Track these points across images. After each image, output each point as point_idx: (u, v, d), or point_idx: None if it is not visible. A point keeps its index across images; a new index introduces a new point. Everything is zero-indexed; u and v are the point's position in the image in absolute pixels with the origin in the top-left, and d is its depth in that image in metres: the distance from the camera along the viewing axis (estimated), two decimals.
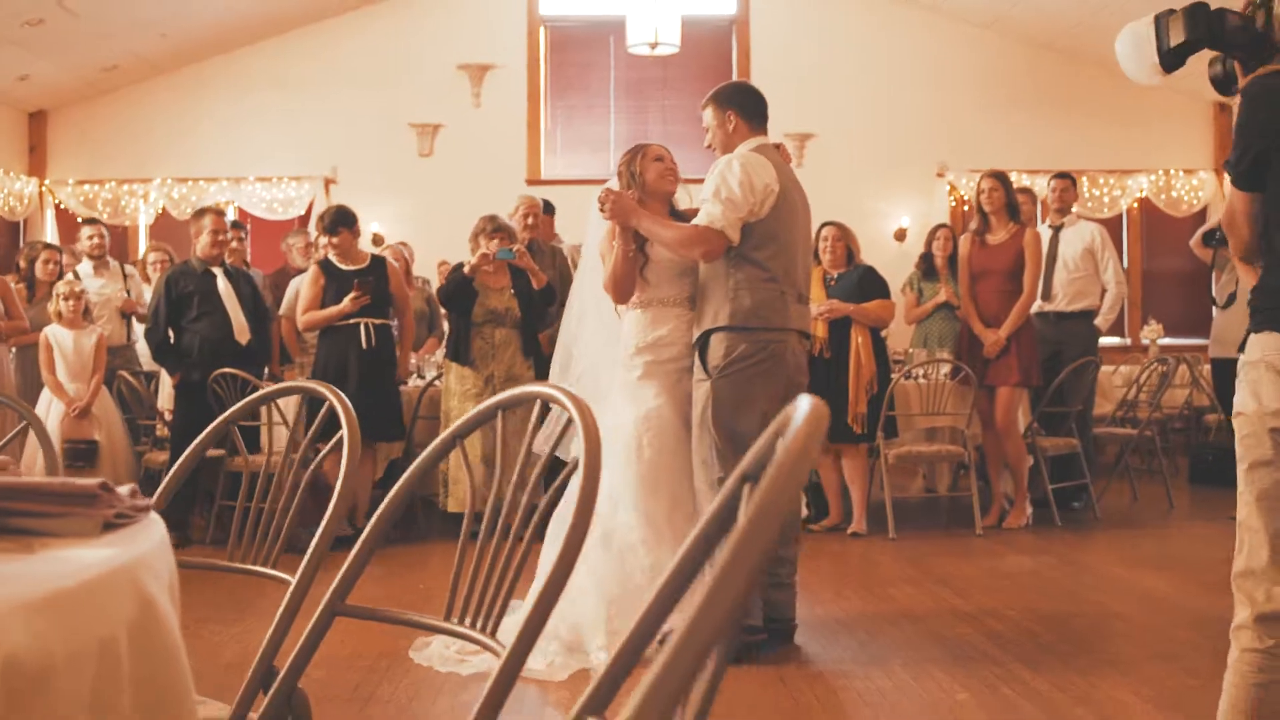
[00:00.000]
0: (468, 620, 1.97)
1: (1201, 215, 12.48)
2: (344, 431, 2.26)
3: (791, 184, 4.84)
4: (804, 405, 1.03)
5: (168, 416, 7.85)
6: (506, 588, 1.92)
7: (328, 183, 12.39)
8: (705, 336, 4.76)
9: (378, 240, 11.43)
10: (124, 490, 1.52)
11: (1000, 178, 7.76)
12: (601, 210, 4.84)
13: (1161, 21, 3.31)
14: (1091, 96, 12.54)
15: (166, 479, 2.46)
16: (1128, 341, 12.53)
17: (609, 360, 5.18)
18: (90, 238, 8.80)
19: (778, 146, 5.02)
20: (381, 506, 2.13)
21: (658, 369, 4.93)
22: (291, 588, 2.20)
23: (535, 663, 4.52)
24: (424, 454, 2.13)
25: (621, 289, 4.96)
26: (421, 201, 12.09)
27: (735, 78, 12.56)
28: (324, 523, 2.23)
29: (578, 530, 1.68)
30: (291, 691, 2.04)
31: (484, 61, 12.52)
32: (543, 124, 12.63)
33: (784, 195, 4.73)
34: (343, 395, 2.37)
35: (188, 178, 12.29)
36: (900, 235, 12.41)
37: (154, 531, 1.45)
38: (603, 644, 4.60)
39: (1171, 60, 3.36)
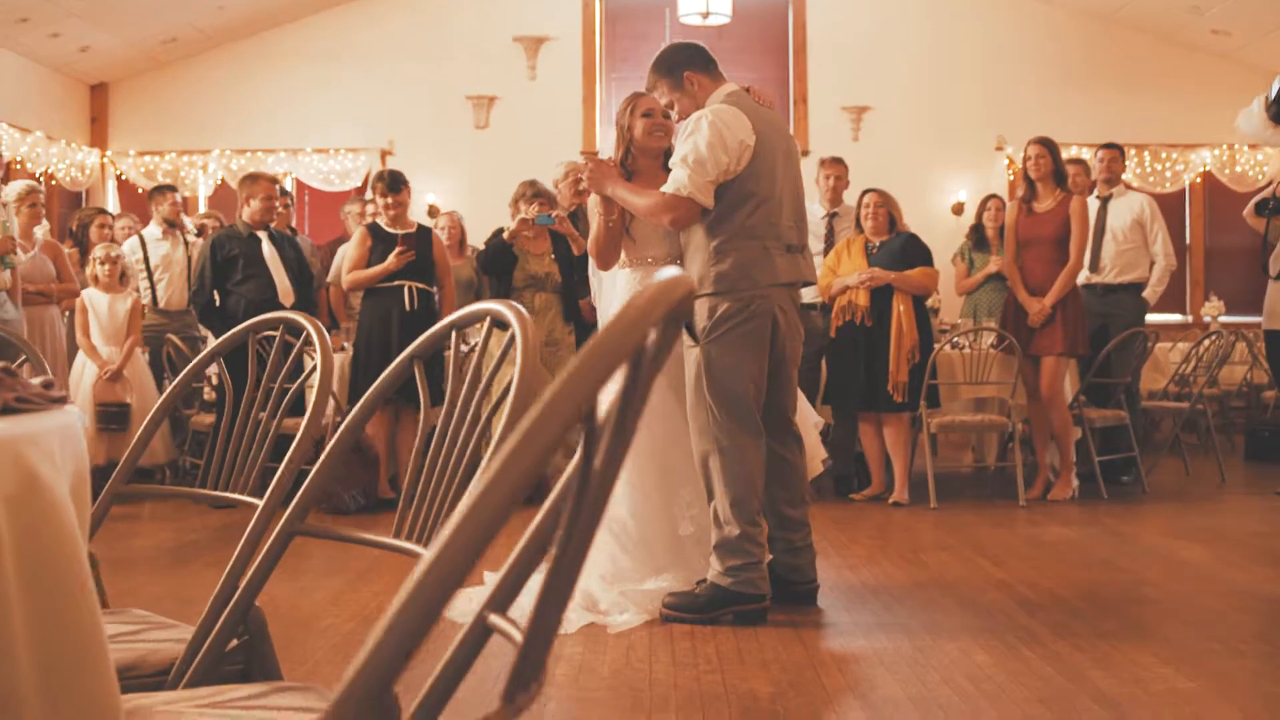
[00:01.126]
0: (414, 538, 1.97)
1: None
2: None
3: (770, 128, 4.70)
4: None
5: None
6: (448, 506, 1.91)
7: (384, 154, 12.47)
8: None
9: (433, 212, 11.48)
10: (37, 381, 1.53)
11: (1047, 144, 7.63)
12: (580, 180, 4.84)
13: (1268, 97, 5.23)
14: (1152, 69, 12.34)
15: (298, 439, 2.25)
16: (1189, 318, 12.33)
17: None
18: (173, 204, 8.80)
19: (748, 89, 4.84)
20: (350, 415, 2.13)
21: None
22: (258, 511, 2.19)
23: None
24: (389, 369, 2.12)
25: (602, 256, 4.97)
26: (477, 173, 12.12)
27: (791, 51, 12.50)
28: (291, 449, 2.21)
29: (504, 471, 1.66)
30: (248, 609, 2.05)
31: (539, 34, 12.54)
32: (598, 96, 12.62)
33: (762, 145, 4.60)
34: (524, 314, 2.33)
35: (246, 149, 12.42)
36: (958, 209, 12.28)
37: (59, 419, 1.46)
38: (610, 606, 4.64)
39: (1276, 110, 5.05)
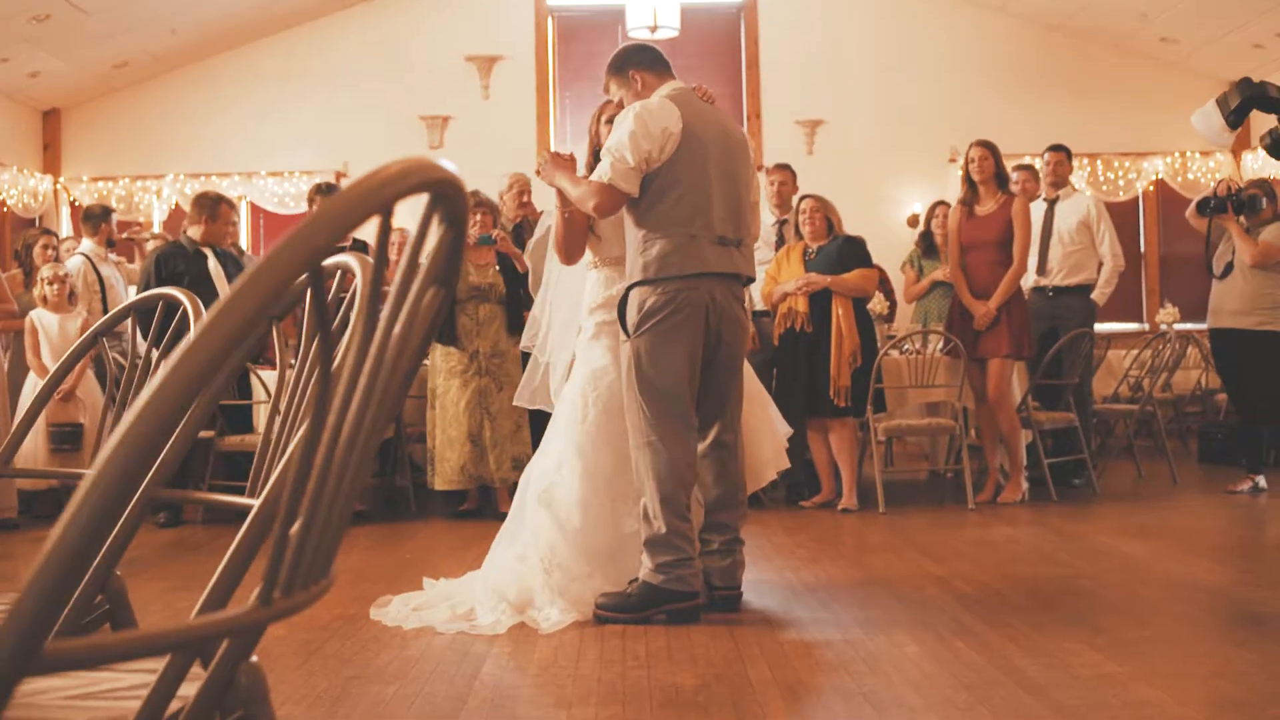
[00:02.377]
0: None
1: None
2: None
3: (704, 122, 4.70)
4: None
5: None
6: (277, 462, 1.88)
7: (339, 176, 12.42)
8: (625, 294, 4.70)
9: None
10: None
11: (989, 146, 7.67)
12: (524, 193, 4.89)
13: (1221, 98, 5.16)
14: (1104, 78, 12.42)
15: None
16: (1145, 326, 12.37)
17: (573, 326, 5.18)
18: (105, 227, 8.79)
19: (696, 88, 4.88)
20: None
21: (609, 328, 4.90)
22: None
23: (484, 619, 4.53)
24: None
25: (564, 249, 4.99)
26: None
27: (744, 65, 12.53)
28: None
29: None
30: (107, 575, 2.01)
31: (492, 53, 12.54)
32: (552, 114, 12.63)
33: (689, 135, 4.61)
34: (198, 300, 2.31)
35: (200, 173, 12.35)
36: (913, 221, 12.28)
37: None
38: (545, 603, 4.60)
39: (1235, 119, 5.00)
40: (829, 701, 3.49)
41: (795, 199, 7.81)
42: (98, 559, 2.00)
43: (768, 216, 8.17)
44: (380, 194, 0.94)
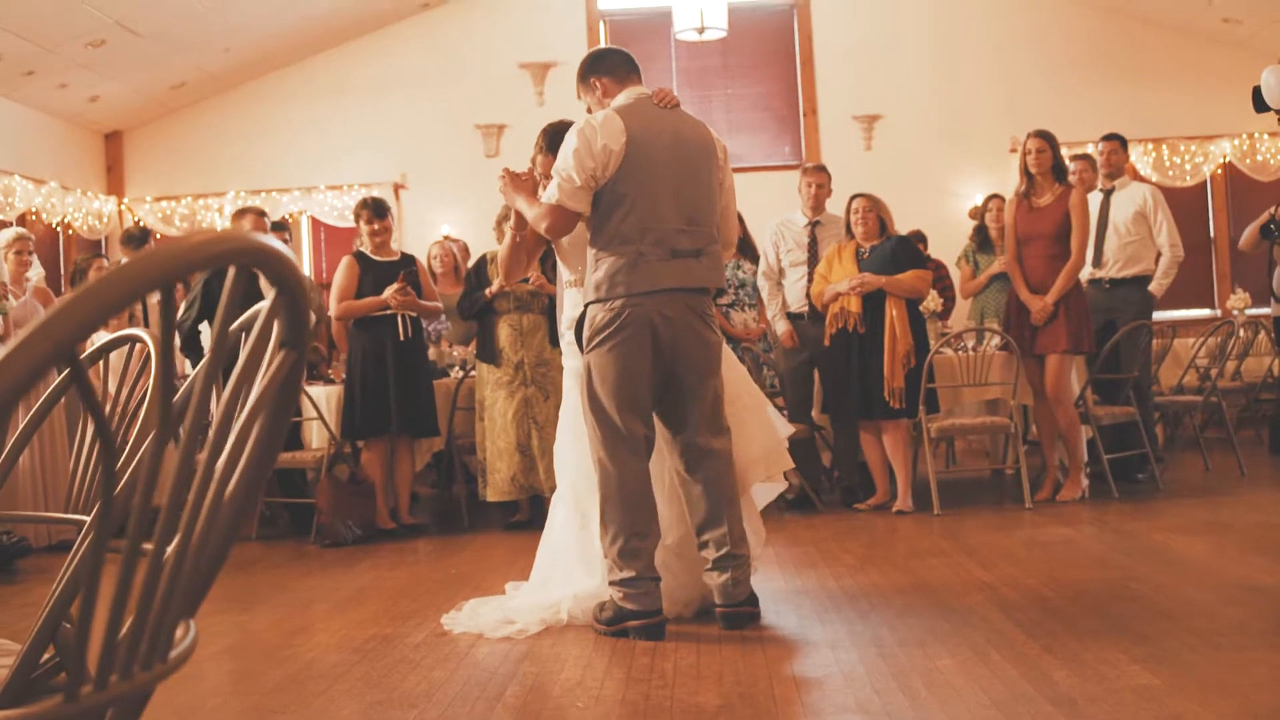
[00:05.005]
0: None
1: None
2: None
3: (654, 132, 4.60)
4: None
5: None
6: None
7: (397, 188, 12.49)
8: (582, 313, 4.68)
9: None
10: None
11: (1047, 137, 7.50)
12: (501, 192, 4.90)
13: None
14: (1166, 62, 12.15)
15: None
16: (1217, 312, 12.08)
17: None
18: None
19: (655, 93, 4.78)
20: None
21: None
22: (83, 530, 2.12)
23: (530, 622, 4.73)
24: None
25: (505, 269, 5.12)
26: (489, 202, 11.94)
27: (798, 62, 12.42)
28: (131, 469, 2.14)
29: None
30: (55, 628, 1.98)
31: (545, 60, 12.53)
32: None
33: (636, 148, 4.53)
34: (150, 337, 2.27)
35: (260, 189, 12.48)
36: (974, 213, 12.09)
37: None
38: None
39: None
40: None
41: (848, 198, 7.66)
42: (44, 614, 1.97)
43: (799, 218, 8.06)
44: (177, 262, 0.89)
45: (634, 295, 4.52)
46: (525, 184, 4.83)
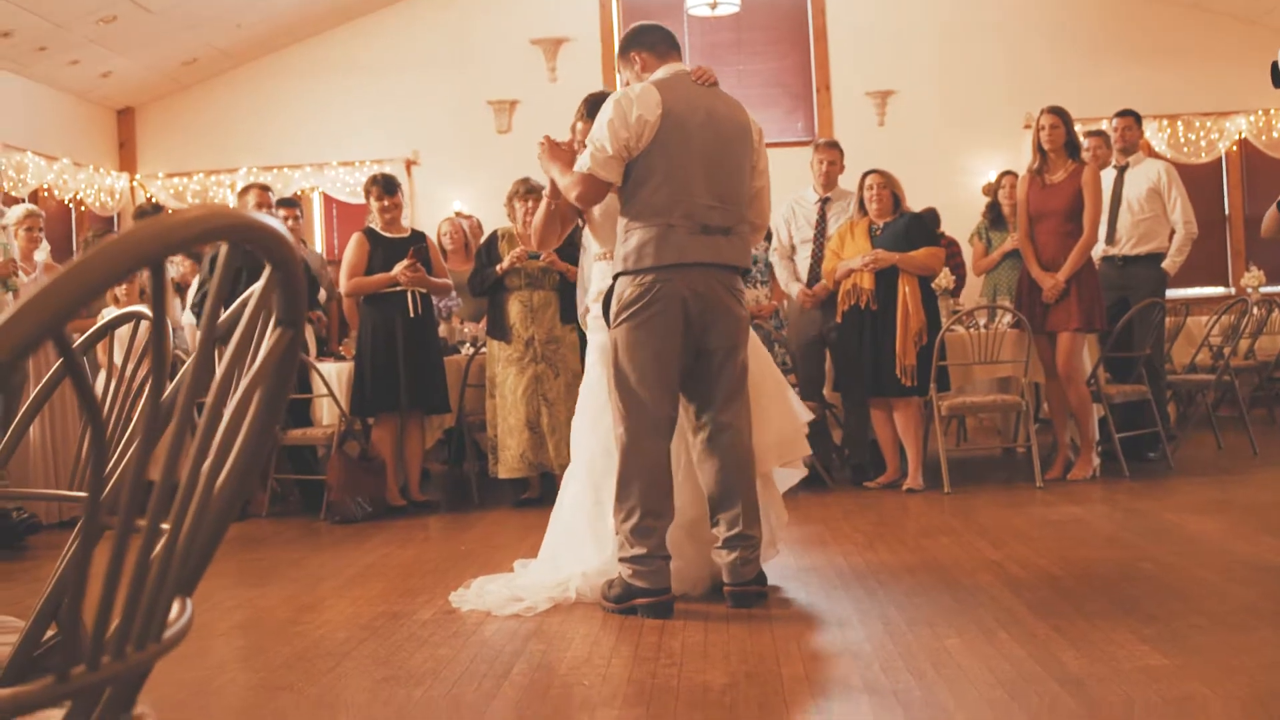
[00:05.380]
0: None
1: None
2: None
3: (692, 107, 4.60)
4: None
5: None
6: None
7: (409, 164, 12.48)
8: (612, 284, 4.68)
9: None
10: None
11: (1061, 114, 7.44)
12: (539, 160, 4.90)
13: None
14: (1182, 37, 12.06)
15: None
16: (1231, 290, 12.02)
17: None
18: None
19: (695, 70, 4.77)
20: None
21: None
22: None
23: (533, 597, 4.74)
24: None
25: (538, 236, 5.08)
26: (502, 178, 11.92)
27: (811, 37, 12.36)
28: (133, 449, 2.15)
29: None
30: (56, 608, 1.98)
31: (558, 35, 12.49)
32: None
33: (671, 121, 4.53)
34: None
35: (272, 165, 12.47)
36: (988, 190, 12.01)
37: None
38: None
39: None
40: (857, 700, 3.40)
41: (860, 174, 7.62)
42: (47, 591, 1.97)
43: (810, 195, 8.02)
44: (164, 239, 0.88)
45: (664, 269, 4.51)
46: (563, 152, 4.82)
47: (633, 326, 4.55)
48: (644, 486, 4.57)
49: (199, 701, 3.67)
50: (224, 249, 1.02)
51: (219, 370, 1.09)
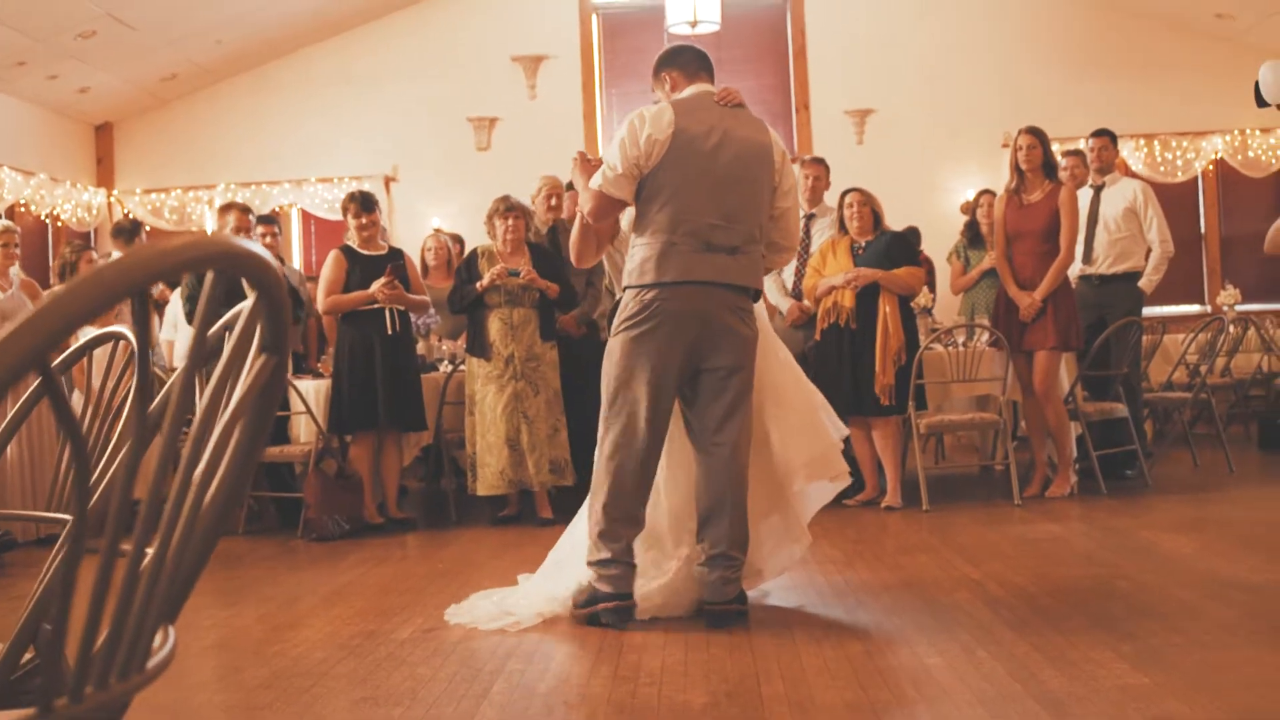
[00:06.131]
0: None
1: None
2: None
3: (708, 127, 4.64)
4: None
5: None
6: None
7: (388, 180, 12.48)
8: (618, 300, 4.79)
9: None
10: None
11: (1038, 134, 7.48)
12: (552, 197, 4.98)
13: None
14: (1159, 57, 12.16)
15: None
16: (1207, 308, 12.09)
17: None
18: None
19: (721, 91, 4.81)
20: None
21: None
22: (65, 529, 2.11)
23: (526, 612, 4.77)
24: None
25: (575, 252, 5.07)
26: (481, 195, 11.91)
27: (790, 56, 12.41)
28: (112, 469, 2.14)
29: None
30: (35, 629, 1.96)
31: (538, 52, 12.52)
32: (598, 112, 12.58)
33: (682, 140, 4.58)
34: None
35: (250, 182, 12.45)
36: (966, 208, 12.06)
37: None
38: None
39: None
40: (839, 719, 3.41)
41: (840, 192, 7.65)
42: (25, 614, 1.96)
43: None
44: (153, 266, 0.88)
45: (665, 285, 4.56)
46: (592, 168, 4.85)
47: (628, 339, 4.60)
48: (616, 493, 4.63)
49: None
50: (209, 277, 1.02)
51: (205, 396, 1.08)
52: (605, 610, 4.59)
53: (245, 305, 1.20)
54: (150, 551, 1.07)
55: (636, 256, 4.63)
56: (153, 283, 0.93)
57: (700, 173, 4.61)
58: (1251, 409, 10.38)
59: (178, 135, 12.64)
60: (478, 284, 7.33)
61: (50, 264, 11.29)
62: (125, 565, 1.04)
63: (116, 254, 8.90)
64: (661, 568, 4.87)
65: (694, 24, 10.20)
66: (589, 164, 4.91)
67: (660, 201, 4.59)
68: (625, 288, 4.69)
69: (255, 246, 1.04)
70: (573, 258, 5.13)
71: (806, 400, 5.11)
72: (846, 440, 7.48)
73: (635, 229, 4.69)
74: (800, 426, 4.98)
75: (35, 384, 2.25)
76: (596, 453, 4.75)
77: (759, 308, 4.97)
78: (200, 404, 1.08)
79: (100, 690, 1.01)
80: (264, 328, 1.09)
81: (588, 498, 4.98)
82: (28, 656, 2.02)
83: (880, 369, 7.15)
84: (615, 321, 4.69)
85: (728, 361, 4.66)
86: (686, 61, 4.89)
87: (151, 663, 1.10)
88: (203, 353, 1.08)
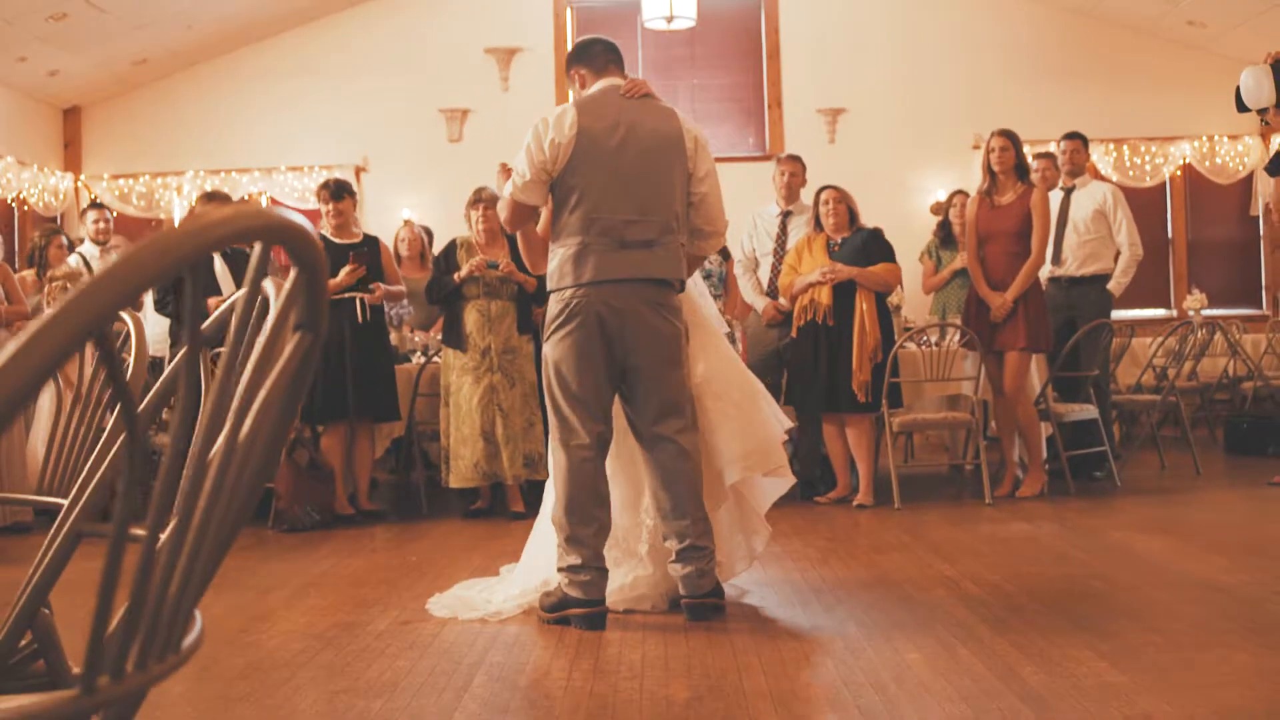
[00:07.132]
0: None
1: (1248, 181, 12.15)
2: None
3: (611, 123, 4.61)
4: None
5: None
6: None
7: (358, 170, 12.41)
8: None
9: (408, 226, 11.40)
10: None
11: (1010, 136, 7.52)
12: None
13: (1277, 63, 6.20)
14: (1130, 63, 12.25)
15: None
16: (1173, 312, 12.19)
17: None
18: (95, 221, 8.98)
19: (625, 83, 4.75)
20: None
21: None
22: (60, 515, 2.09)
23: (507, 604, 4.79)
24: None
25: (528, 261, 5.15)
26: (451, 187, 11.97)
27: (764, 54, 12.42)
28: (110, 454, 2.11)
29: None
30: (33, 613, 1.94)
31: (511, 45, 12.48)
32: None
33: (587, 140, 4.56)
34: (140, 321, 2.24)
35: (220, 169, 12.37)
36: (936, 209, 12.13)
37: None
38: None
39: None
40: (822, 714, 3.41)
41: (815, 190, 7.67)
42: (21, 599, 1.93)
43: (772, 209, 8.08)
44: (197, 240, 0.86)
45: (582, 285, 4.57)
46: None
47: (556, 342, 4.63)
48: (572, 497, 4.63)
49: (155, 714, 3.61)
50: (257, 249, 1.00)
51: (244, 376, 1.07)
52: (577, 616, 4.56)
53: (239, 295, 1.18)
54: (191, 535, 1.05)
55: (555, 260, 4.64)
56: (206, 252, 0.91)
57: (608, 170, 4.59)
58: (1217, 412, 10.48)
59: (147, 120, 12.52)
60: (455, 275, 7.29)
61: (16, 247, 11.17)
62: (166, 546, 1.02)
63: (87, 242, 8.83)
64: (622, 567, 4.88)
65: (669, 20, 10.19)
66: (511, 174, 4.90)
67: (572, 203, 4.59)
68: (549, 292, 4.69)
69: (299, 218, 1.02)
70: (528, 266, 5.16)
71: (744, 391, 5.06)
72: (819, 437, 7.56)
73: (552, 233, 4.68)
74: (736, 418, 4.94)
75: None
76: (550, 459, 4.79)
77: (695, 299, 5.01)
78: (240, 383, 1.06)
79: (139, 671, 1.00)
80: (303, 304, 1.07)
81: (545, 490, 5.01)
82: (24, 642, 1.99)
83: (857, 366, 7.16)
84: (544, 327, 4.71)
85: (653, 357, 4.65)
86: (594, 56, 4.83)
87: (186, 642, 1.09)
88: (244, 331, 1.06)
